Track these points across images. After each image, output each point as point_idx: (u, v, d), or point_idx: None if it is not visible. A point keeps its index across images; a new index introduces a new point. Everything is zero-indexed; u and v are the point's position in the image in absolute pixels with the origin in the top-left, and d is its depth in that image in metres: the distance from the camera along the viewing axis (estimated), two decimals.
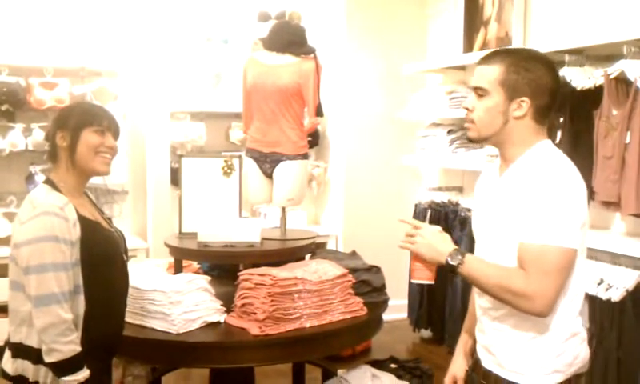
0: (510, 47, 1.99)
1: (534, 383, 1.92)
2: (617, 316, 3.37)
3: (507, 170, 1.99)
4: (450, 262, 1.93)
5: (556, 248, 1.81)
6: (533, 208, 1.83)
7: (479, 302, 2.09)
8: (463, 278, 1.99)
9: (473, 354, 2.20)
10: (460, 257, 1.93)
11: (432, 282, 2.07)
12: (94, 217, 2.35)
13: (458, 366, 2.28)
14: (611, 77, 3.50)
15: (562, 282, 1.85)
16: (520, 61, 1.93)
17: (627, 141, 3.39)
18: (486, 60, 1.99)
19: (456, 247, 1.96)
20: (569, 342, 1.93)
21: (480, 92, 1.96)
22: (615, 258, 3.48)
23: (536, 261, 1.82)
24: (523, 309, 1.85)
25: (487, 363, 2.05)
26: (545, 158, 1.92)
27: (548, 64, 1.97)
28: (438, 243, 1.98)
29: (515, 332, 1.95)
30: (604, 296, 3.36)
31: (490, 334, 2.03)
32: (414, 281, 2.08)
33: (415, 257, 2.03)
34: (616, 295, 3.32)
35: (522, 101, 1.92)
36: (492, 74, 1.94)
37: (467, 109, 2.00)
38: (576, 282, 1.93)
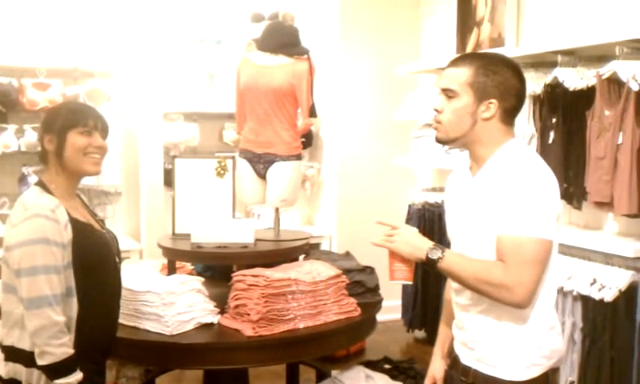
0: (477, 51, 2.04)
1: (513, 377, 1.95)
2: (610, 316, 3.37)
3: (480, 170, 2.01)
4: (430, 257, 1.95)
5: (532, 239, 1.85)
6: (508, 202, 1.87)
7: (457, 299, 2.10)
8: (442, 273, 2.01)
9: (451, 353, 2.20)
10: (439, 252, 1.95)
11: (410, 282, 2.08)
12: (85, 219, 2.33)
13: (436, 366, 2.30)
14: (603, 77, 3.50)
15: (540, 272, 1.88)
16: (488, 64, 1.97)
17: (619, 141, 3.39)
18: (454, 63, 2.03)
19: (434, 243, 1.99)
20: (547, 334, 1.97)
21: (449, 93, 1.99)
22: (608, 258, 3.49)
23: (513, 252, 1.85)
24: (503, 300, 1.87)
25: (466, 359, 2.06)
26: (516, 155, 1.96)
27: (515, 68, 2.01)
28: (416, 240, 2.01)
29: (495, 326, 1.97)
30: (597, 296, 3.37)
31: (470, 330, 2.05)
32: (393, 281, 2.08)
33: (393, 256, 2.04)
34: (609, 295, 3.33)
35: (490, 102, 1.95)
36: (461, 76, 1.97)
37: (436, 110, 2.02)
38: (551, 276, 1.96)
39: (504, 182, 1.90)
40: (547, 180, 1.92)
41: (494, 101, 1.95)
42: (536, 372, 1.95)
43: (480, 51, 2.01)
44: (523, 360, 1.95)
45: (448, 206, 2.20)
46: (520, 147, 2.01)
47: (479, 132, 1.98)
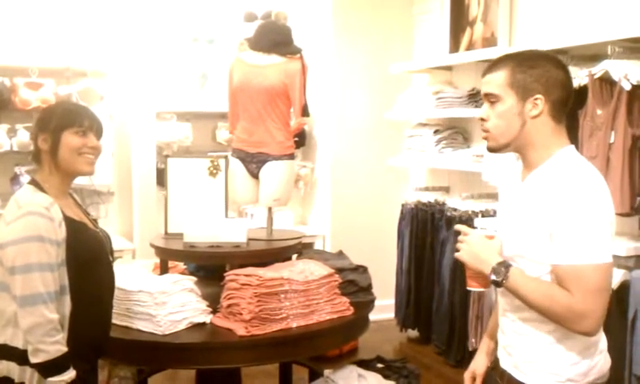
0: (512, 52, 1.98)
1: None
2: None
3: (529, 175, 1.94)
4: (494, 278, 1.88)
5: (593, 266, 1.78)
6: (562, 226, 1.79)
7: (501, 302, 2.05)
8: (509, 292, 1.92)
9: (494, 353, 2.19)
10: (504, 271, 1.87)
11: (487, 288, 2.01)
12: (79, 217, 2.33)
13: (478, 363, 2.27)
14: (595, 77, 3.52)
15: (607, 297, 1.81)
16: (524, 60, 1.91)
17: (611, 140, 3.41)
18: (490, 68, 1.95)
19: (500, 260, 1.90)
20: (586, 352, 1.90)
21: (491, 99, 1.92)
22: None
23: (576, 282, 1.78)
24: (571, 328, 1.82)
25: (504, 363, 2.03)
26: (569, 169, 1.86)
27: (554, 59, 1.94)
28: (481, 252, 1.92)
29: (533, 336, 1.93)
30: None
31: (509, 336, 2.01)
32: (469, 288, 2.03)
33: (467, 265, 1.98)
34: None
35: (537, 98, 1.88)
36: (499, 79, 1.90)
37: (482, 119, 1.96)
38: None
39: (556, 199, 1.81)
40: (602, 197, 1.83)
41: (539, 96, 1.87)
42: None
43: (516, 51, 1.97)
44: (557, 374, 1.90)
45: (499, 210, 2.15)
46: (574, 158, 1.91)
47: (530, 133, 1.90)
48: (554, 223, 1.81)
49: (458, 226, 2.06)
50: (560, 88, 1.89)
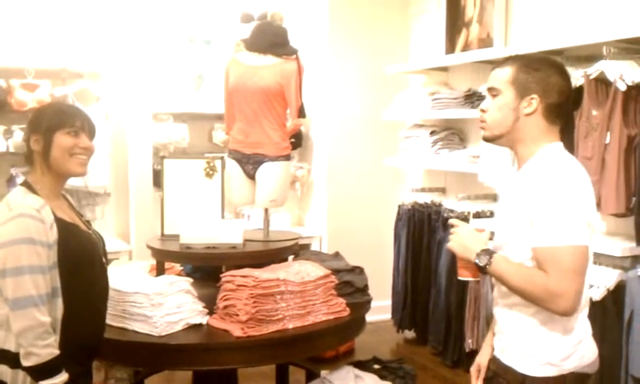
0: (523, 53, 2.14)
1: (527, 372, 2.01)
2: (598, 315, 3.38)
3: (520, 169, 2.08)
4: (477, 263, 2.01)
5: (567, 247, 1.88)
6: (541, 211, 1.91)
7: (495, 291, 2.18)
8: (492, 277, 2.07)
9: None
10: (487, 257, 2.00)
11: (477, 279, 2.17)
12: (71, 219, 2.32)
13: (483, 354, 2.32)
14: (591, 77, 3.52)
15: (582, 279, 1.92)
16: (530, 62, 2.05)
17: (607, 141, 3.41)
18: (499, 64, 2.10)
19: (485, 247, 2.03)
20: (566, 336, 1.99)
21: (493, 92, 2.07)
22: (596, 258, 3.46)
23: (551, 262, 1.89)
24: (549, 309, 1.92)
25: (496, 350, 2.15)
26: (552, 161, 1.99)
27: (558, 66, 2.07)
28: (469, 242, 2.06)
29: (517, 320, 2.04)
30: None
31: (499, 322, 2.14)
32: (460, 278, 2.19)
33: (458, 256, 2.12)
34: (597, 294, 3.35)
35: (532, 98, 2.01)
36: (504, 75, 2.05)
37: (482, 110, 2.10)
38: None
39: (537, 188, 1.94)
40: (580, 186, 1.95)
41: (535, 96, 2.01)
42: (551, 372, 1.99)
43: (527, 53, 2.12)
44: (538, 357, 2.00)
45: (498, 200, 2.27)
46: (559, 152, 2.04)
47: (521, 128, 2.04)
48: (534, 209, 1.93)
49: (452, 220, 2.19)
50: (557, 93, 2.02)
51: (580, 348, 2.02)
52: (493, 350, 2.24)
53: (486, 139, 2.13)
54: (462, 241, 2.08)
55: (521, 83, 2.02)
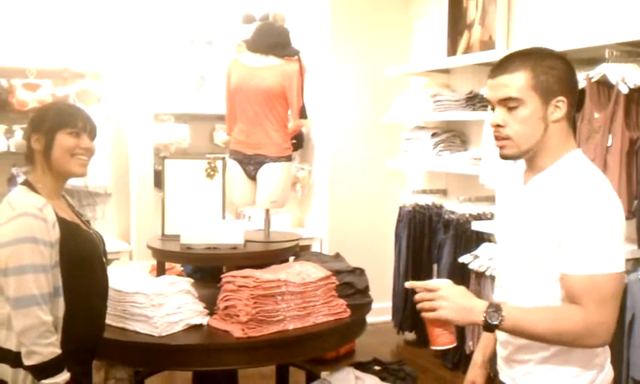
0: (518, 50, 1.86)
1: None
2: None
3: (534, 178, 1.85)
4: (490, 322, 1.73)
5: (608, 275, 1.69)
6: (574, 234, 1.70)
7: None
8: (507, 333, 1.80)
9: (489, 363, 2.14)
10: (498, 313, 1.73)
11: (454, 344, 1.87)
12: (72, 218, 2.32)
13: (477, 372, 2.17)
14: (593, 80, 3.52)
15: (618, 306, 1.74)
16: (541, 60, 1.79)
17: (609, 144, 3.41)
18: (502, 69, 1.80)
19: (486, 302, 1.77)
20: (588, 364, 1.83)
21: (511, 104, 1.77)
22: None
23: (591, 292, 1.69)
24: (585, 345, 1.74)
25: (504, 376, 1.96)
26: (578, 173, 1.78)
27: (564, 57, 1.85)
28: (465, 303, 1.77)
29: (533, 348, 1.84)
30: None
31: (509, 348, 1.93)
32: (437, 347, 1.85)
33: (434, 322, 1.81)
34: None
35: (559, 100, 1.78)
36: (519, 81, 1.77)
37: (499, 125, 1.80)
38: None
39: (568, 204, 1.72)
40: (614, 203, 1.74)
41: (562, 98, 1.77)
42: None
43: (522, 49, 1.84)
44: None
45: (499, 216, 2.06)
46: (582, 161, 1.82)
47: (549, 137, 1.79)
48: (564, 230, 1.72)
49: (415, 284, 1.83)
50: (575, 88, 1.83)
51: (601, 375, 1.86)
52: (487, 369, 2.12)
53: (509, 157, 1.83)
54: (458, 304, 1.75)
55: (543, 87, 1.75)
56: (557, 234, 1.73)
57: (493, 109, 1.85)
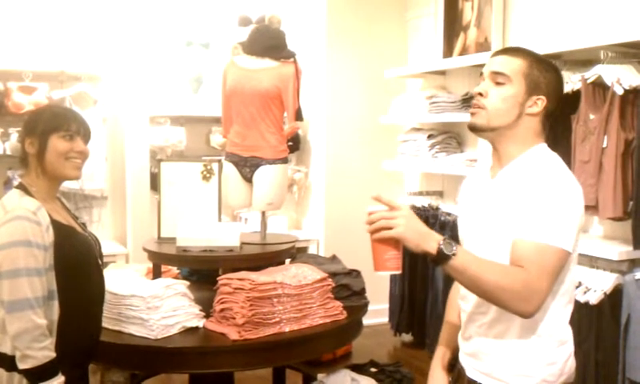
0: (525, 48, 1.97)
1: None
2: (595, 319, 3.39)
3: (501, 170, 1.92)
4: (444, 251, 1.69)
5: (555, 248, 1.75)
6: (533, 206, 1.77)
7: (465, 306, 1.99)
8: (450, 273, 1.74)
9: (453, 366, 2.12)
10: (453, 247, 1.70)
11: (399, 272, 1.78)
12: (67, 221, 2.31)
13: (438, 377, 2.14)
14: (588, 81, 3.53)
15: (554, 283, 1.78)
16: (541, 61, 1.92)
17: (604, 145, 3.42)
18: (506, 51, 1.94)
19: (444, 236, 1.75)
20: (559, 349, 1.88)
21: (500, 79, 1.88)
22: (593, 262, 3.51)
23: (535, 259, 1.73)
24: (516, 307, 1.73)
25: (472, 372, 1.95)
26: (545, 160, 1.88)
27: (559, 72, 1.97)
28: (423, 229, 1.72)
29: (504, 338, 1.87)
30: (582, 299, 3.38)
31: (477, 341, 1.94)
32: (384, 272, 1.76)
33: (385, 242, 1.73)
34: (594, 298, 3.35)
35: (539, 98, 1.88)
36: (515, 65, 1.88)
37: (480, 94, 1.90)
38: (566, 289, 1.87)
39: (530, 185, 1.80)
40: (576, 191, 1.83)
41: (542, 97, 1.88)
42: None
43: (532, 50, 1.94)
44: (532, 375, 1.85)
45: (462, 211, 2.08)
46: (548, 152, 1.91)
47: (520, 127, 1.89)
48: (525, 202, 1.78)
49: (380, 198, 1.78)
50: (557, 100, 1.92)
51: (570, 360, 1.91)
52: (451, 371, 2.11)
53: (476, 127, 1.91)
54: (414, 225, 1.71)
55: (533, 79, 1.87)
56: (515, 208, 1.80)
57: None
